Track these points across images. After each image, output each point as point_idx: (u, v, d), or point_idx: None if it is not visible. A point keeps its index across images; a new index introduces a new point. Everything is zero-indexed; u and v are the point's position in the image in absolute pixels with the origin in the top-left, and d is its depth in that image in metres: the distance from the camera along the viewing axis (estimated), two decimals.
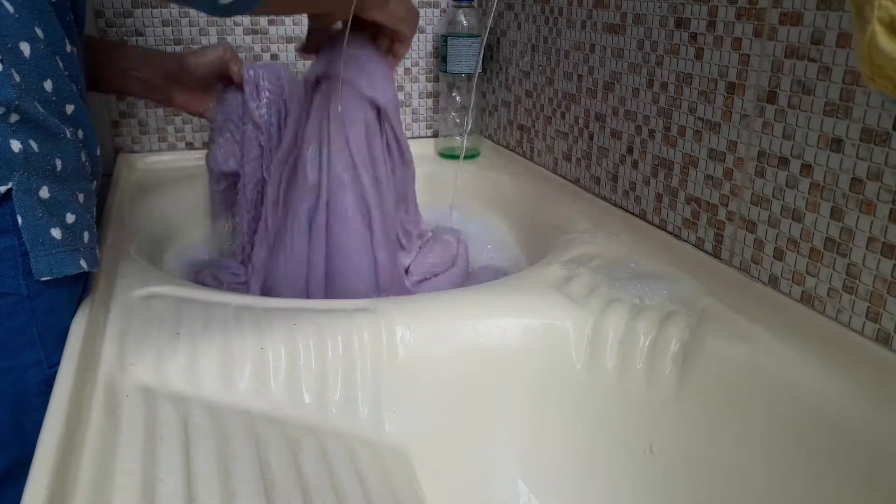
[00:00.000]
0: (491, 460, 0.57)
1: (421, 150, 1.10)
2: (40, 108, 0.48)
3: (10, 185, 0.46)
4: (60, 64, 0.51)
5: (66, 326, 0.50)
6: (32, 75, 0.48)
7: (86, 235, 0.53)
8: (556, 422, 0.58)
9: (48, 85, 0.50)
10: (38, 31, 0.49)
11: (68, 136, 0.51)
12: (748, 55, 0.56)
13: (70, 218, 0.51)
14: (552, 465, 0.58)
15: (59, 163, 0.50)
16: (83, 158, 0.54)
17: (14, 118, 0.46)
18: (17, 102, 0.46)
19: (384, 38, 0.74)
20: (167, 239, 0.83)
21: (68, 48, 0.53)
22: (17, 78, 0.46)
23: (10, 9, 0.47)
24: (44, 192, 0.49)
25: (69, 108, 0.52)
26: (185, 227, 0.88)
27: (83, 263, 0.51)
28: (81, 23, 0.58)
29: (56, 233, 0.49)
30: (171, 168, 0.99)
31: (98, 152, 0.58)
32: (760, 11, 0.54)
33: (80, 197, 0.53)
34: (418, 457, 0.51)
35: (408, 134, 1.12)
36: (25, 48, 0.47)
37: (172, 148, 1.02)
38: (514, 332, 0.57)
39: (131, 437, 0.42)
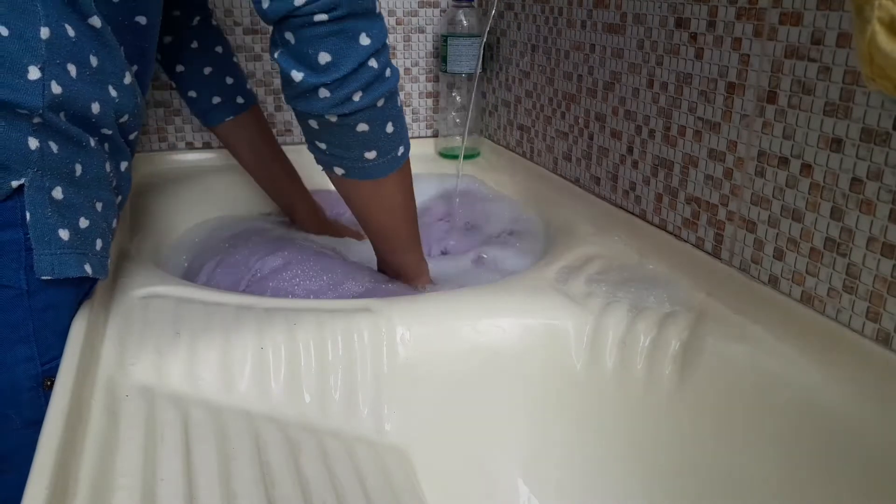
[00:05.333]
0: (491, 460, 0.57)
1: (421, 150, 1.10)
2: (65, 121, 0.49)
3: (23, 180, 0.47)
4: (113, 93, 0.53)
5: (65, 326, 0.50)
6: (74, 95, 0.49)
7: (98, 243, 0.53)
8: (556, 421, 0.58)
9: (95, 107, 0.51)
10: (93, 60, 0.51)
11: (93, 145, 0.52)
12: (748, 55, 0.56)
13: (83, 223, 0.51)
14: (552, 464, 0.58)
15: (78, 168, 0.50)
16: (108, 169, 0.54)
17: (37, 120, 0.47)
18: (41, 111, 0.47)
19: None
20: (167, 239, 0.83)
21: (127, 80, 0.55)
22: (55, 90, 0.48)
23: (70, 32, 0.49)
24: (57, 193, 0.49)
25: (105, 131, 0.54)
26: (185, 227, 0.88)
27: (88, 269, 0.51)
28: (144, 69, 0.61)
29: (64, 234, 0.49)
30: (171, 168, 0.99)
31: (124, 169, 0.58)
32: (760, 11, 0.54)
33: (99, 205, 0.53)
34: (418, 456, 0.51)
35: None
36: (72, 69, 0.49)
37: (172, 148, 1.02)
38: (514, 332, 0.57)
39: (131, 437, 0.42)
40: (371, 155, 0.61)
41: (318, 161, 0.64)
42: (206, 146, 1.04)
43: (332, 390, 0.51)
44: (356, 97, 0.56)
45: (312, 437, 0.47)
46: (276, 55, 0.55)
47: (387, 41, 0.57)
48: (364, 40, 0.54)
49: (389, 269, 0.76)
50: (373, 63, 0.55)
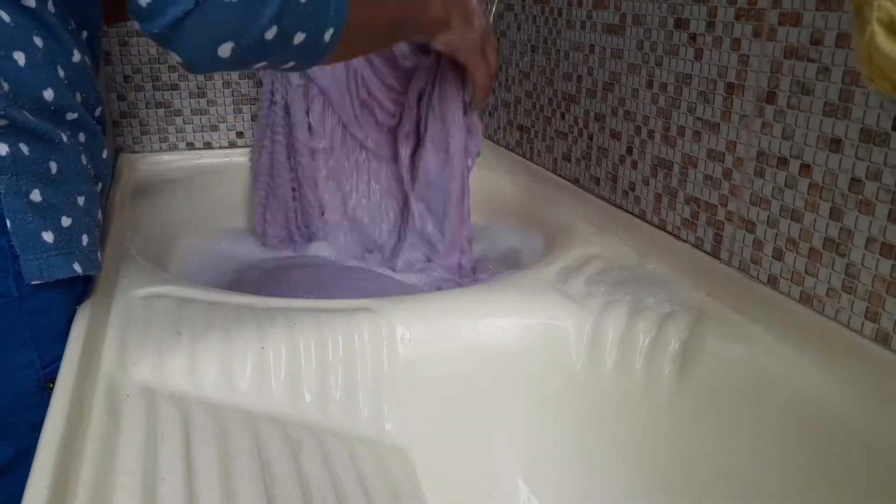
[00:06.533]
0: (491, 459, 0.57)
1: None
2: (30, 116, 0.48)
3: None
4: (62, 73, 0.51)
5: (62, 327, 0.50)
6: (27, 84, 0.48)
7: (84, 239, 0.52)
8: (555, 421, 0.58)
9: (48, 94, 0.49)
10: (37, 41, 0.49)
11: (65, 139, 0.51)
12: (747, 55, 0.56)
13: (66, 221, 0.50)
14: (552, 464, 0.58)
15: (53, 166, 0.50)
16: (84, 161, 0.53)
17: (2, 123, 0.46)
18: (3, 112, 0.46)
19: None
20: (168, 239, 0.83)
21: (76, 58, 0.52)
22: (5, 87, 0.46)
23: (6, 18, 0.47)
24: (35, 196, 0.48)
25: (70, 116, 0.52)
26: (185, 227, 0.88)
27: (77, 267, 0.51)
28: (93, 32, 0.57)
29: (48, 236, 0.49)
30: (172, 168, 0.99)
31: (105, 155, 0.58)
32: (760, 12, 0.54)
33: (81, 200, 0.52)
34: (419, 456, 0.51)
35: None
36: (20, 57, 0.47)
37: (173, 148, 1.03)
38: (514, 331, 0.57)
39: (132, 436, 0.42)
40: (289, 65, 0.51)
41: None
42: (207, 146, 1.04)
43: (333, 390, 0.51)
44: (223, 52, 0.44)
45: (313, 436, 0.47)
46: None
47: None
48: None
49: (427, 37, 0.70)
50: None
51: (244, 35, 0.44)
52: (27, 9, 0.48)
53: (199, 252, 0.83)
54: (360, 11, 0.53)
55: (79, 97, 0.53)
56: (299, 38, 0.48)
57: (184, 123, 1.02)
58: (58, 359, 0.48)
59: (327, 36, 0.51)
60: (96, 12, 0.58)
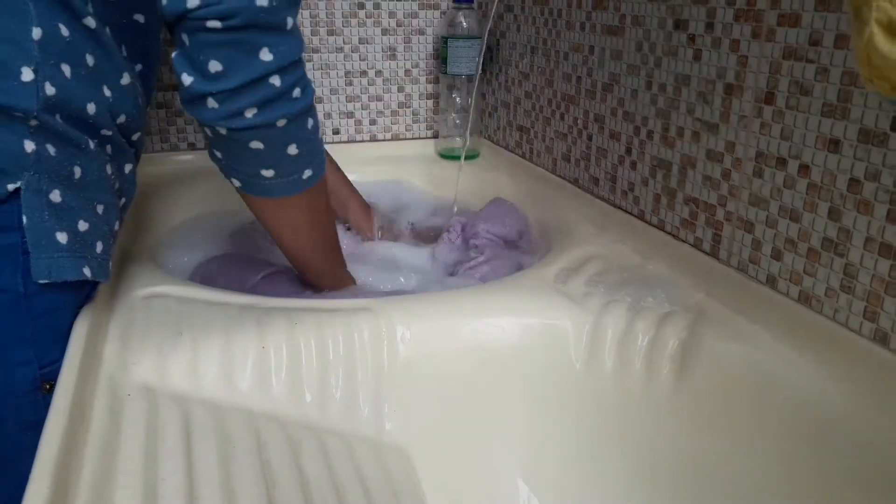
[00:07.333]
0: (491, 459, 0.57)
1: (421, 150, 1.11)
2: (62, 121, 0.49)
3: (18, 183, 0.47)
4: (107, 93, 0.53)
5: (65, 329, 0.50)
6: (69, 95, 0.49)
7: (99, 246, 0.53)
8: (555, 421, 0.58)
9: (90, 108, 0.51)
10: (89, 59, 0.51)
11: (92, 147, 0.52)
12: (746, 56, 0.56)
13: (83, 225, 0.51)
14: (552, 463, 0.58)
15: (77, 170, 0.50)
16: (109, 172, 0.54)
17: (33, 123, 0.47)
18: (36, 113, 0.47)
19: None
20: (169, 239, 0.84)
21: (125, 80, 0.55)
22: (49, 91, 0.47)
23: (65, 31, 0.49)
24: (55, 196, 0.49)
25: (105, 132, 0.54)
26: (186, 227, 0.88)
27: (87, 272, 0.51)
28: (149, 70, 0.61)
29: (62, 237, 0.49)
30: (172, 168, 0.99)
31: (129, 171, 0.58)
32: (759, 13, 0.54)
33: (100, 208, 0.53)
34: (419, 456, 0.51)
35: (408, 135, 1.13)
36: (66, 69, 0.49)
37: (174, 148, 1.03)
38: (513, 331, 0.57)
39: (133, 436, 0.42)
40: (268, 173, 0.58)
41: (219, 169, 0.62)
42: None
43: (333, 389, 0.51)
44: (248, 113, 0.53)
45: (313, 436, 0.47)
46: (173, 54, 0.52)
47: (300, 60, 0.54)
48: (265, 55, 0.51)
49: (311, 287, 0.73)
50: (274, 80, 0.52)
51: (267, 112, 0.53)
52: (87, 27, 0.51)
53: (200, 252, 0.83)
54: (309, 202, 0.63)
55: (121, 119, 0.55)
56: (293, 149, 0.57)
57: (185, 124, 1.02)
58: (56, 360, 0.48)
59: (306, 173, 0.60)
60: (154, 53, 0.62)
